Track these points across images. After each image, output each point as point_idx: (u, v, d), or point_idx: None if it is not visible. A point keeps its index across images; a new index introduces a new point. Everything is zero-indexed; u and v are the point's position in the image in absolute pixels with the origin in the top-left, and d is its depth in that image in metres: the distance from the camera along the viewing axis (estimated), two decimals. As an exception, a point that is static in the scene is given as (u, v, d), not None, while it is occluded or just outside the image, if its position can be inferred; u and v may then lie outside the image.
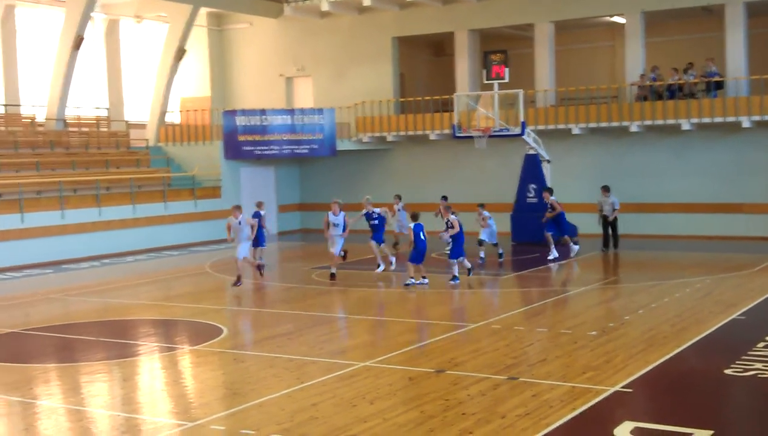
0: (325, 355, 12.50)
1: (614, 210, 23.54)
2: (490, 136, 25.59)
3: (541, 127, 27.81)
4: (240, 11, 32.67)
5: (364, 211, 20.64)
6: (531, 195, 25.74)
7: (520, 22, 29.76)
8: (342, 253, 20.02)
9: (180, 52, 30.85)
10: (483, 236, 22.15)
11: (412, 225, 18.34)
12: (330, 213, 19.25)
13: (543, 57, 29.20)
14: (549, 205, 22.07)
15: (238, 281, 18.53)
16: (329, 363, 11.95)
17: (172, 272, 21.65)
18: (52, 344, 13.82)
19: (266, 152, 29.34)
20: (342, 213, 19.27)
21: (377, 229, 20.49)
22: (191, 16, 30.45)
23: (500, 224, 27.06)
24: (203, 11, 31.95)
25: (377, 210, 20.61)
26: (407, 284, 17.82)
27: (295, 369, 11.52)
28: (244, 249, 18.50)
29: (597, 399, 9.66)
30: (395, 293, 17.90)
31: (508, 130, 25.45)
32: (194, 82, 34.23)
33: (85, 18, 27.61)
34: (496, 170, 29.11)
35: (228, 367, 12.00)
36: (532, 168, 26.00)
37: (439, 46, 33.68)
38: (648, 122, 26.67)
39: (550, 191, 22.58)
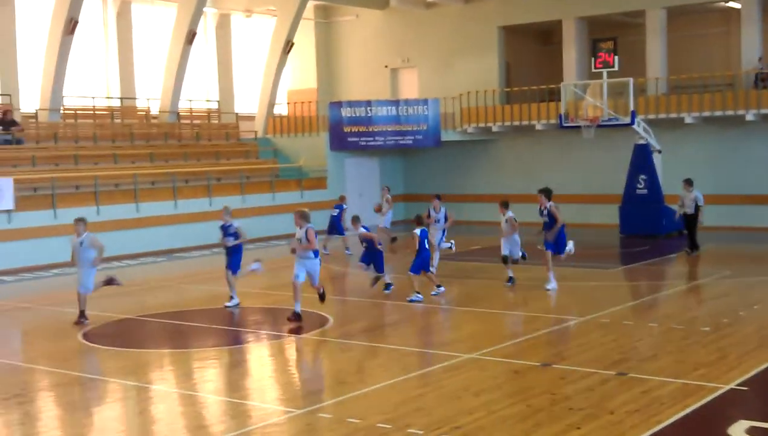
0: (430, 346, 12.51)
1: (698, 207, 20.80)
2: (599, 126, 25.11)
3: (651, 116, 27.09)
4: (347, 3, 32.95)
5: (222, 222, 16.02)
6: (641, 186, 25.16)
7: (631, 8, 29.02)
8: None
9: (288, 45, 31.33)
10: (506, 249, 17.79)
11: (418, 231, 15.93)
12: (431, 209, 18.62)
13: (654, 44, 28.42)
14: (546, 212, 16.56)
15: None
16: (434, 354, 11.96)
17: (279, 261, 21.97)
18: (166, 330, 14.26)
19: (371, 143, 29.53)
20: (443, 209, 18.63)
21: (234, 252, 15.84)
22: (299, 9, 30.88)
23: (608, 216, 26.59)
24: (311, 4, 32.36)
25: (236, 223, 15.93)
26: (412, 300, 15.51)
27: (400, 359, 11.57)
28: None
29: (710, 397, 9.36)
30: (499, 285, 17.74)
31: (617, 119, 24.92)
32: (301, 75, 34.71)
33: (198, 13, 28.34)
34: (604, 161, 28.51)
35: (334, 356, 12.15)
36: (642, 158, 25.39)
37: (546, 35, 33.18)
38: (765, 111, 25.64)
39: (548, 194, 16.64)
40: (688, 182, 21.18)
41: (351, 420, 8.90)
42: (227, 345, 12.92)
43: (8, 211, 21.37)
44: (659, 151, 25.77)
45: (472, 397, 9.66)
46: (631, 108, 24.73)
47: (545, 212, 16.43)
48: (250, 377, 11.34)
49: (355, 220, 16.98)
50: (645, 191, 24.81)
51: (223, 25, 32.42)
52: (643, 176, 25.17)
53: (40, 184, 22.94)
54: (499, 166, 31.21)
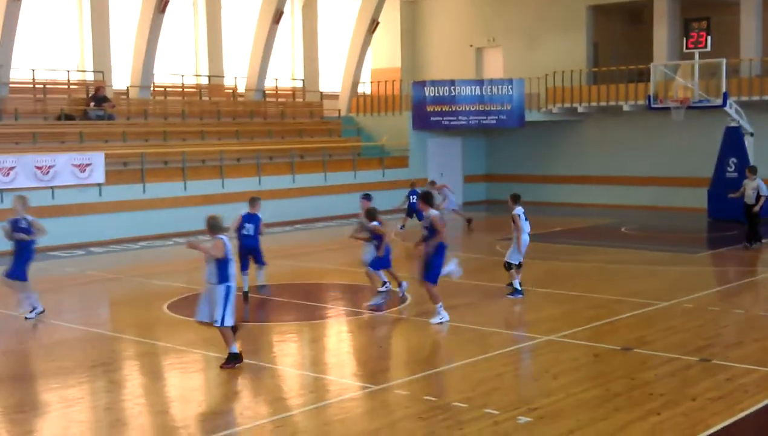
0: (509, 327, 12.44)
1: (759, 197, 19.29)
2: (689, 108, 24.47)
3: (744, 98, 26.23)
4: (432, -18, 32.79)
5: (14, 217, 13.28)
6: (731, 170, 24.45)
7: (726, -13, 28.13)
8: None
9: (373, 24, 31.34)
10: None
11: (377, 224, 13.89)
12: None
13: (749, 24, 27.47)
14: (428, 223, 12.49)
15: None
16: (513, 335, 11.90)
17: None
18: (249, 303, 14.50)
19: (454, 123, 29.39)
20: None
21: (21, 252, 13.06)
22: (385, -12, 30.85)
23: (697, 200, 25.91)
24: (396, -17, 32.31)
25: (29, 217, 13.23)
26: (373, 305, 13.41)
27: (478, 339, 11.54)
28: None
29: (798, 387, 9.09)
30: (584, 267, 17.52)
31: (708, 101, 24.23)
32: (385, 54, 34.70)
33: (284, -8, 28.60)
34: (693, 143, 27.76)
35: (412, 334, 12.19)
36: (733, 141, 24.66)
37: (636, 14, 32.37)
38: None
39: (427, 200, 12.68)
40: (752, 170, 19.99)
41: (427, 398, 8.93)
42: (307, 320, 13.08)
43: (99, 185, 22.01)
44: (751, 134, 24.98)
45: (551, 379, 9.59)
46: (723, 90, 23.99)
47: (424, 222, 12.62)
48: (328, 352, 11.47)
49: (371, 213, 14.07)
50: (735, 175, 24.08)
51: (310, 4, 32.60)
52: (733, 160, 24.46)
53: (129, 159, 23.55)
54: (583, 148, 30.71)
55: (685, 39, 24.79)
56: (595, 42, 31.26)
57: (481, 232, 25.04)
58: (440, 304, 12.48)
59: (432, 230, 12.36)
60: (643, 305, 13.50)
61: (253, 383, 9.96)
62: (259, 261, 14.50)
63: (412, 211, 22.80)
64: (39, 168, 20.85)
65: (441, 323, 12.33)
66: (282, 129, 28.77)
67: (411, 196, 22.89)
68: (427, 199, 12.71)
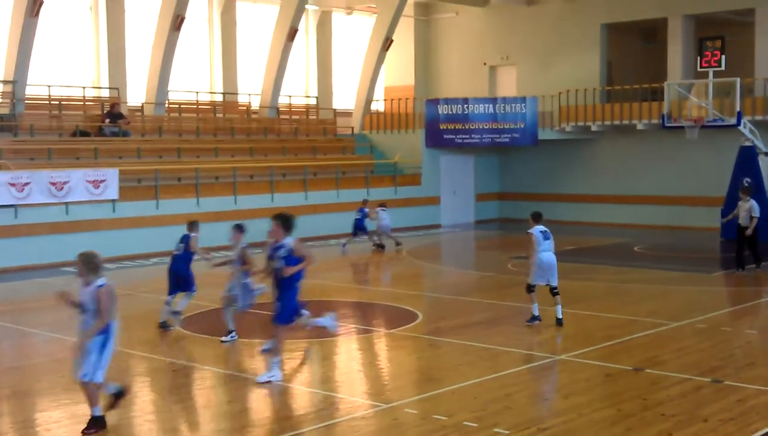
0: (521, 346, 12.39)
1: (751, 218, 18.53)
2: (703, 127, 24.41)
3: (758, 117, 26.15)
4: (447, 0, 32.87)
5: None
6: (745, 190, 24.32)
7: (740, 6, 28.07)
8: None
9: (387, 42, 31.47)
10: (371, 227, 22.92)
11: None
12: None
13: (764, 43, 27.43)
14: (282, 252, 10.59)
15: None
16: (524, 354, 11.84)
17: (370, 256, 22.15)
18: (259, 320, 14.49)
19: (467, 141, 29.41)
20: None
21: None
22: (399, 7, 30.97)
23: (710, 219, 25.84)
24: (411, 1, 32.42)
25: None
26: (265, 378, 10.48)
27: (490, 358, 11.49)
28: None
29: (811, 409, 9.01)
30: (596, 287, 17.45)
31: (722, 120, 24.17)
32: (399, 72, 34.80)
33: (300, 11, 28.74)
34: (707, 163, 27.68)
35: (423, 352, 12.16)
36: (747, 161, 24.55)
37: (650, 33, 32.39)
38: None
39: (286, 225, 10.85)
40: (745, 190, 19.28)
41: (437, 417, 8.89)
42: (317, 338, 13.06)
43: (113, 201, 22.11)
44: (765, 154, 24.89)
45: (562, 399, 9.54)
46: (738, 109, 23.94)
47: (280, 252, 10.51)
48: (338, 370, 11.45)
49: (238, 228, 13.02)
50: (749, 195, 23.96)
51: (324, 22, 32.79)
52: (747, 179, 24.28)
53: (144, 175, 23.67)
54: (597, 166, 30.66)
55: (699, 58, 24.75)
56: (609, 60, 31.27)
57: (494, 250, 25.01)
58: (278, 359, 10.41)
59: (293, 260, 10.32)
60: (655, 324, 13.42)
61: (262, 400, 9.94)
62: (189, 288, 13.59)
63: (357, 229, 23.42)
64: (53, 184, 20.97)
65: (269, 381, 10.21)
66: (295, 146, 28.87)
67: (359, 214, 23.56)
68: (286, 223, 10.44)
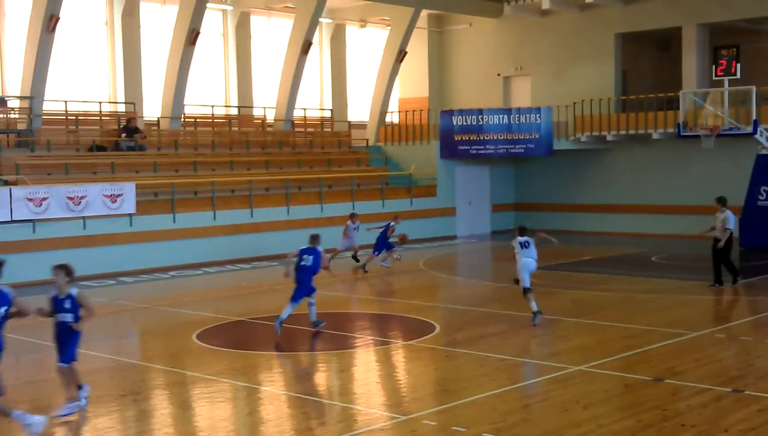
0: (538, 357, 12.35)
1: (724, 230, 17.61)
2: (719, 136, 24.32)
3: (775, 125, 26.07)
4: (461, 12, 32.93)
5: None
6: (762, 197, 24.24)
7: (755, 15, 27.97)
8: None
9: (401, 54, 31.55)
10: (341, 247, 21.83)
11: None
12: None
13: (779, 51, 27.36)
14: (68, 303, 9.81)
15: None
16: (542, 365, 11.80)
17: (388, 268, 22.14)
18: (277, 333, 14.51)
19: (482, 151, 29.40)
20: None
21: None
22: (413, 19, 31.06)
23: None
24: (424, 13, 32.49)
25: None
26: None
27: (507, 369, 11.46)
28: None
29: (833, 419, 8.94)
30: (614, 297, 17.38)
31: (738, 129, 24.08)
32: (413, 83, 34.87)
33: (314, 24, 28.86)
34: (724, 171, 27.54)
35: (440, 363, 12.14)
36: (764, 169, 24.46)
37: (665, 42, 32.33)
38: None
39: (68, 273, 9.92)
40: (720, 201, 18.14)
41: (456, 429, 8.88)
42: (335, 350, 13.07)
43: (130, 215, 22.22)
44: (783, 162, 24.76)
45: (581, 410, 9.50)
46: (754, 117, 23.85)
47: (67, 302, 9.80)
48: (356, 382, 11.44)
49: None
50: (767, 203, 23.87)
51: (338, 35, 32.91)
52: (765, 188, 24.24)
53: (160, 189, 23.77)
54: (612, 176, 30.58)
55: (714, 66, 24.69)
56: (623, 70, 31.23)
57: (510, 260, 24.89)
58: (81, 399, 9.85)
59: (74, 311, 9.77)
60: (674, 334, 13.35)
61: (281, 412, 9.95)
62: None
63: (383, 244, 21.82)
64: (71, 199, 21.09)
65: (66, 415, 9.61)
66: (310, 159, 28.94)
67: (387, 228, 21.79)
68: (70, 274, 9.84)
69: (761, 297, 17.51)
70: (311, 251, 14.26)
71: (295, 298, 13.98)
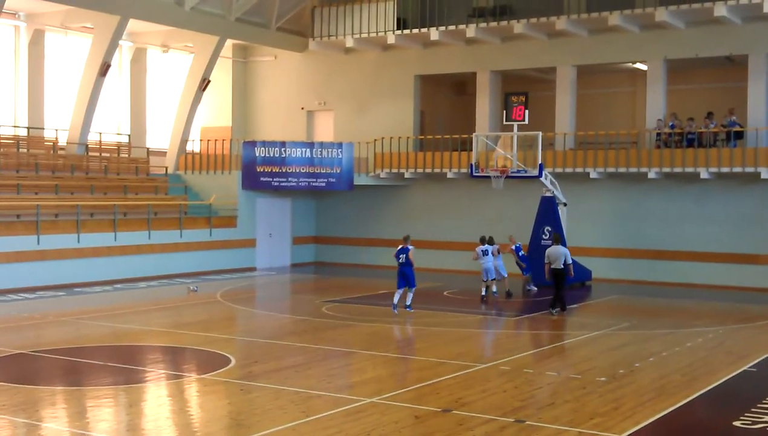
0: (333, 389, 12.44)
1: (567, 265, 20.00)
2: (508, 177, 25.57)
3: (558, 169, 27.82)
4: (265, 44, 32.98)
5: None
6: (546, 237, 25.65)
7: (543, 65, 29.85)
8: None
9: (204, 82, 31.15)
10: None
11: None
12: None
13: (564, 100, 29.26)
14: None
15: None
16: (336, 398, 11.89)
17: (183, 299, 21.65)
18: (60, 366, 13.83)
19: (284, 184, 29.46)
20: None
21: None
22: (217, 48, 30.77)
23: (512, 266, 27.05)
24: (229, 43, 32.27)
25: None
26: None
27: (301, 402, 11.46)
28: None
29: (604, 446, 9.55)
30: (408, 330, 17.82)
31: (525, 171, 25.44)
32: (216, 112, 34.51)
33: (113, 45, 27.92)
34: (512, 211, 29.07)
35: (234, 397, 11.96)
36: (548, 210, 25.94)
37: (461, 86, 33.85)
38: (666, 169, 26.59)
39: None
40: (555, 238, 20.96)
41: (247, 463, 8.75)
42: (124, 384, 12.59)
43: None
44: (565, 204, 26.38)
45: (372, 442, 9.62)
46: (539, 161, 25.30)
47: None
48: (145, 417, 11.06)
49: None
50: (549, 242, 25.27)
51: (139, 58, 32.04)
52: (548, 228, 25.67)
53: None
54: (409, 212, 31.49)
55: (505, 111, 25.99)
56: (422, 110, 32.36)
57: (309, 293, 25.06)
58: None
59: None
60: (463, 366, 13.85)
61: (63, 450, 9.44)
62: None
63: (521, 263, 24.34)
64: None
65: None
66: (105, 185, 27.87)
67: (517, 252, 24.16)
68: None
69: (543, 331, 18.53)
70: (403, 250, 18.91)
71: (399, 286, 19.04)
